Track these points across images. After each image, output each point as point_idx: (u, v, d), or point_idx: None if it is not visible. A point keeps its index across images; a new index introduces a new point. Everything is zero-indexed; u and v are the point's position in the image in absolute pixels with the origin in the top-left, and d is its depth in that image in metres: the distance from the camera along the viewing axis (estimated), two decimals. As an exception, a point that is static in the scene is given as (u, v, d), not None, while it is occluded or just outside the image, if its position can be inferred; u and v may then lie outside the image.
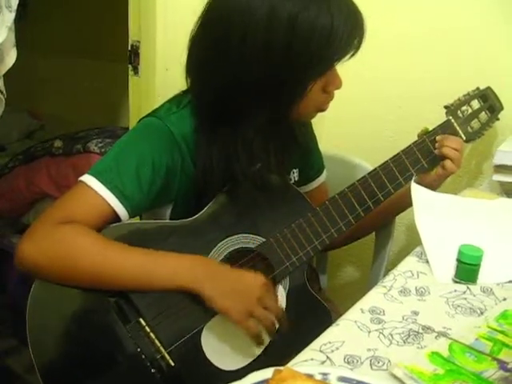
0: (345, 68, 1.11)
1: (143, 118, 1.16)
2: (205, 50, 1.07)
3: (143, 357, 1.02)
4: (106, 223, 1.05)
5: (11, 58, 1.11)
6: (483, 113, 1.38)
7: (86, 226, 1.01)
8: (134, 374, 1.02)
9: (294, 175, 1.31)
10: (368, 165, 1.54)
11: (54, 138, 2.27)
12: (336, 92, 1.14)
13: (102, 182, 1.03)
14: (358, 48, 1.05)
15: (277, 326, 1.07)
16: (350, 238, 1.48)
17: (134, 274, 1.01)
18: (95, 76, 2.82)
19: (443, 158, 1.26)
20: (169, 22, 1.51)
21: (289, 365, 0.76)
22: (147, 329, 1.03)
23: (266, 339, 1.08)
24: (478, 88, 1.40)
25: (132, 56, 1.57)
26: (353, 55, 1.06)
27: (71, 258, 0.99)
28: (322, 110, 1.16)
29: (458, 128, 1.31)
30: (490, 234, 1.14)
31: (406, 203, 1.27)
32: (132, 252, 1.03)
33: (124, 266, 1.01)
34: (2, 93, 1.15)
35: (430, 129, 1.30)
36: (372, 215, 1.26)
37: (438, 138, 1.27)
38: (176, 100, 1.16)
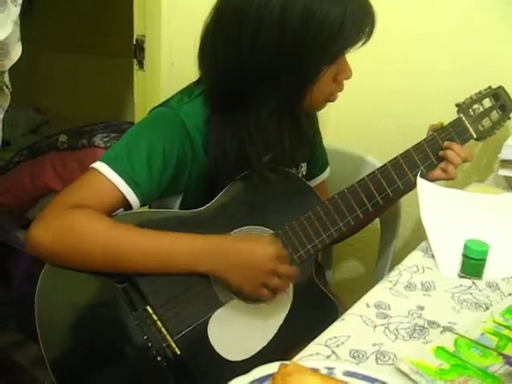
0: (352, 62, 1.12)
1: (155, 107, 1.16)
2: (219, 41, 1.08)
3: (149, 345, 1.04)
4: (116, 210, 1.06)
5: (16, 52, 1.11)
6: (494, 111, 1.37)
7: (96, 211, 1.02)
8: (140, 362, 1.04)
9: (303, 169, 1.31)
10: (374, 159, 1.54)
11: (59, 133, 2.27)
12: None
13: (113, 169, 1.04)
14: (369, 36, 1.07)
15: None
16: (355, 229, 1.47)
17: (147, 256, 1.03)
18: (100, 71, 2.82)
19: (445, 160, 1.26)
20: (174, 16, 1.51)
21: (294, 359, 0.77)
22: (154, 317, 1.04)
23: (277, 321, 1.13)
24: (490, 87, 1.39)
25: (137, 50, 1.57)
26: (364, 43, 1.07)
27: (84, 241, 1.00)
28: (332, 100, 1.17)
29: (468, 126, 1.31)
30: (495, 229, 1.14)
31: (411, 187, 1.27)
32: (144, 234, 1.04)
33: (135, 248, 1.02)
34: (7, 87, 1.15)
35: (445, 123, 1.30)
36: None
37: (446, 143, 1.26)
38: (188, 91, 1.17)
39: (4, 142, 1.26)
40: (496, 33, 1.53)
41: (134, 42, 1.56)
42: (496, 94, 1.38)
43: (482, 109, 1.35)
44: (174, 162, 1.09)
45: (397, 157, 1.24)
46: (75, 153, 2.15)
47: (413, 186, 1.24)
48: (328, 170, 1.43)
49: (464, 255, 1.03)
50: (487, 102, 1.37)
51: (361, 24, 1.04)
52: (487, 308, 0.94)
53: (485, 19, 1.54)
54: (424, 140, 1.26)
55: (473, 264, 1.02)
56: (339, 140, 1.87)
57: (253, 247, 1.07)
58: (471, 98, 1.35)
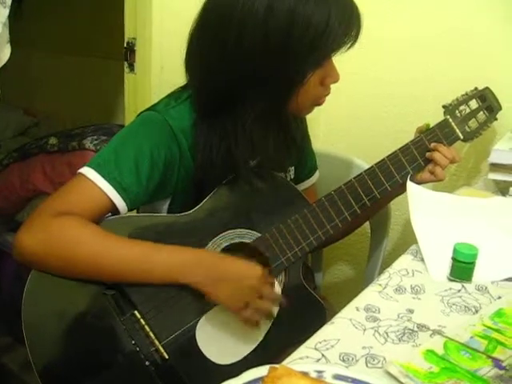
0: (342, 67, 1.12)
1: (142, 112, 1.16)
2: (204, 45, 1.08)
3: (137, 349, 1.03)
4: (104, 215, 1.06)
5: (5, 54, 1.11)
6: (481, 113, 1.38)
7: (83, 218, 1.01)
8: (129, 367, 1.03)
9: (291, 173, 1.31)
10: (365, 163, 1.54)
11: (49, 135, 2.27)
12: (333, 90, 1.15)
13: (100, 174, 1.04)
14: (355, 39, 1.07)
15: (275, 312, 1.10)
16: (345, 232, 1.48)
17: (130, 266, 1.02)
18: (91, 73, 2.81)
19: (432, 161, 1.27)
20: (165, 19, 1.51)
21: (284, 363, 0.76)
22: (142, 321, 1.04)
23: (264, 325, 1.11)
24: (476, 88, 1.40)
25: (128, 53, 1.57)
26: (351, 46, 1.07)
27: (69, 249, 1.00)
28: (319, 104, 1.17)
29: (455, 127, 1.31)
30: (485, 233, 1.14)
31: (400, 191, 1.29)
32: (129, 244, 1.03)
33: (120, 258, 1.01)
34: (-4, 90, 1.15)
35: (432, 125, 1.30)
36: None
37: (432, 145, 1.26)
38: (175, 95, 1.17)
39: (-7, 144, 1.26)
40: (488, 37, 1.54)
41: (125, 44, 1.56)
42: (482, 95, 1.39)
43: (468, 110, 1.36)
44: (161, 167, 1.09)
45: (384, 159, 1.24)
46: (65, 155, 2.15)
47: (400, 187, 1.24)
48: (317, 173, 1.43)
49: (453, 258, 1.03)
50: (474, 104, 1.38)
51: (346, 27, 1.03)
52: (476, 311, 0.94)
53: (477, 24, 1.55)
54: (411, 142, 1.27)
55: (462, 267, 1.02)
56: (330, 144, 1.87)
57: (238, 265, 1.07)
58: (457, 99, 1.36)
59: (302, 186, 1.38)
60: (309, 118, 1.31)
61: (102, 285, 1.03)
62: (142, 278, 1.03)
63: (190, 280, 1.03)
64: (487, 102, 1.39)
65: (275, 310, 1.11)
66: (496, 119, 1.42)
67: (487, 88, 1.40)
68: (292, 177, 1.32)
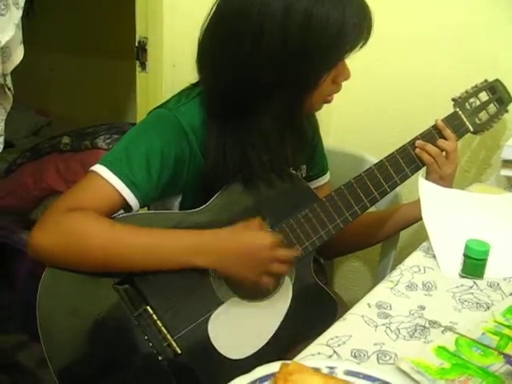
0: (353, 64, 1.12)
1: (153, 109, 1.17)
2: (218, 45, 1.08)
3: (150, 345, 1.05)
4: (116, 212, 1.07)
5: (18, 55, 1.12)
6: (492, 105, 1.38)
7: (95, 212, 1.03)
8: (142, 362, 1.04)
9: (302, 171, 1.32)
10: (375, 159, 1.54)
11: (61, 135, 2.28)
12: (344, 87, 1.16)
13: (112, 171, 1.05)
14: (367, 39, 1.07)
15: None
16: (354, 247, 1.55)
17: (144, 253, 1.03)
18: (102, 73, 2.83)
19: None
20: (176, 17, 1.52)
21: (296, 359, 0.77)
22: (154, 317, 1.05)
23: (276, 320, 1.14)
24: (486, 80, 1.39)
25: (139, 52, 1.57)
26: (362, 46, 1.08)
27: (81, 241, 1.01)
28: (329, 100, 1.17)
29: (465, 120, 1.31)
30: (497, 229, 1.14)
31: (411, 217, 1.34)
32: (140, 232, 1.04)
33: (134, 246, 1.03)
34: (9, 90, 1.16)
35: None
36: (377, 229, 1.37)
37: (417, 143, 1.27)
38: (185, 92, 1.18)
39: (7, 144, 1.27)
40: (496, 33, 1.53)
41: (137, 43, 1.57)
42: (492, 87, 1.39)
43: (478, 102, 1.36)
44: (172, 163, 1.10)
45: (393, 152, 1.25)
46: (78, 154, 2.16)
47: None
48: (328, 174, 1.43)
49: (465, 255, 1.03)
50: (484, 96, 1.37)
51: (360, 28, 1.04)
52: (488, 308, 0.94)
53: (484, 20, 1.54)
54: (420, 134, 1.28)
55: (474, 264, 1.02)
56: (341, 142, 1.87)
57: (249, 239, 1.07)
58: (467, 91, 1.35)
59: (312, 185, 1.38)
60: (320, 114, 1.31)
61: (114, 280, 1.05)
62: (157, 264, 1.04)
63: (204, 261, 1.04)
64: (497, 93, 1.39)
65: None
66: (507, 111, 1.41)
67: (497, 80, 1.40)
68: (304, 175, 1.32)
